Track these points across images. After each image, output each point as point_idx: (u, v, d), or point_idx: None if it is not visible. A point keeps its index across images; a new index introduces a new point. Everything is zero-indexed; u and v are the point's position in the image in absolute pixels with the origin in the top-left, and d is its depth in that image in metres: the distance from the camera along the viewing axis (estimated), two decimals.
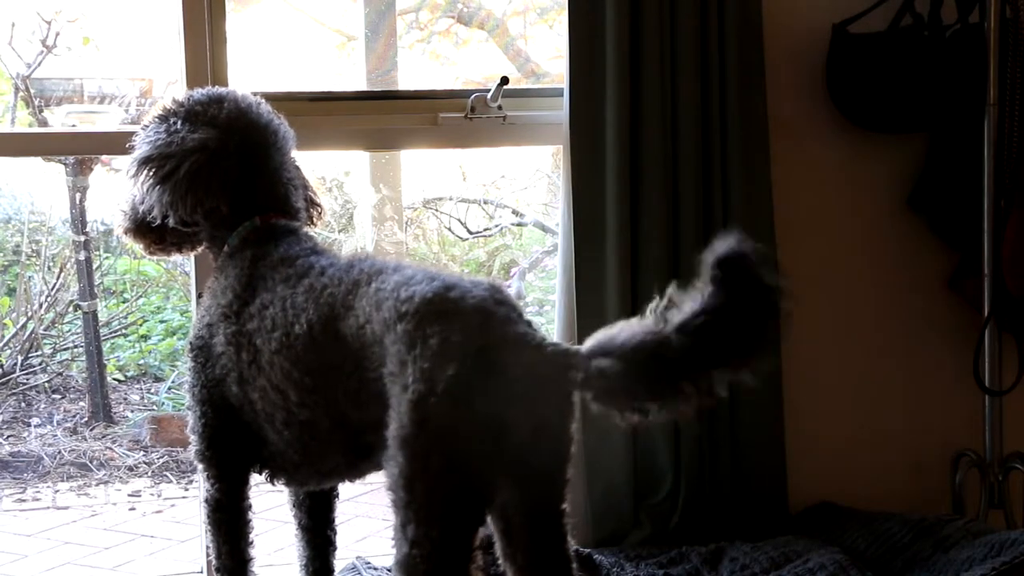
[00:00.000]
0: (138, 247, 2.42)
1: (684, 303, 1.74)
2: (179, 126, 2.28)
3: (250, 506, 2.31)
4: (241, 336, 2.14)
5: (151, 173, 2.25)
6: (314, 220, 2.43)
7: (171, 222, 2.25)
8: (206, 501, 2.30)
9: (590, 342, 1.82)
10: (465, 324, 1.83)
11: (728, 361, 1.74)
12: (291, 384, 2.05)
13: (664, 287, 1.75)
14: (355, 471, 2.18)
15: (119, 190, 2.36)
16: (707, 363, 1.74)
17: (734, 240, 1.73)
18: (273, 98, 2.92)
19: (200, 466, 2.29)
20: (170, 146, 2.25)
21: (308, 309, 2.03)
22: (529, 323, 1.90)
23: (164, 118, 2.31)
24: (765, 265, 1.73)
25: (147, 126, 2.34)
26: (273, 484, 2.28)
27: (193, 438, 2.27)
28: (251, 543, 2.31)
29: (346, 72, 5.15)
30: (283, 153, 2.34)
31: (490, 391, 1.79)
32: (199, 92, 2.34)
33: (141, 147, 2.29)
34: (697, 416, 2.96)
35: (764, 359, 1.76)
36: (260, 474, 2.26)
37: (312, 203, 2.43)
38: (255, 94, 2.39)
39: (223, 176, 2.25)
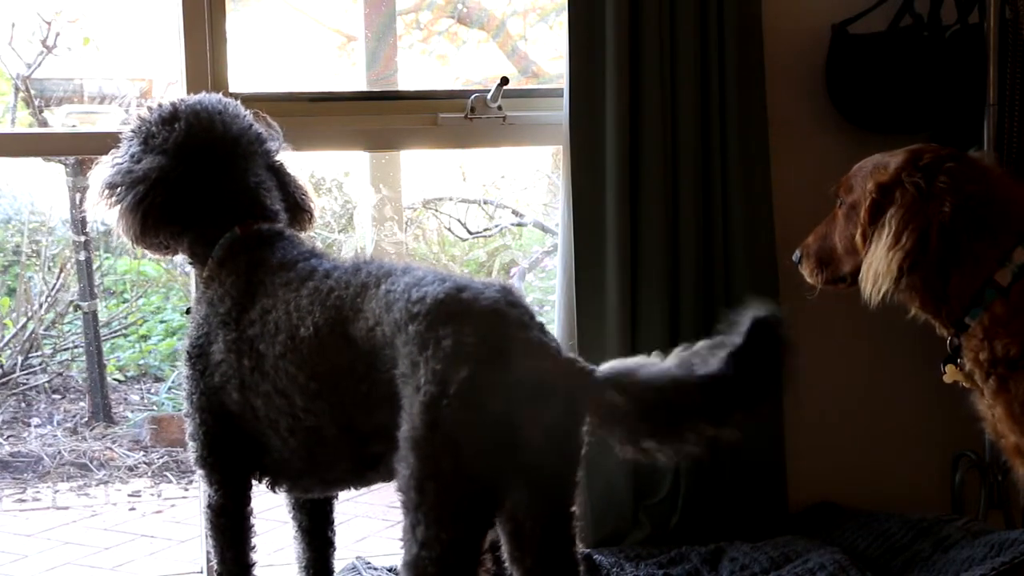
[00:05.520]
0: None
1: (710, 356, 1.79)
2: (135, 149, 2.30)
3: (252, 510, 2.30)
4: (242, 342, 2.13)
5: (111, 201, 2.28)
6: (303, 225, 2.41)
7: (138, 246, 2.30)
8: (208, 507, 2.28)
9: (607, 369, 1.84)
10: (478, 326, 1.83)
11: (732, 418, 1.82)
12: (296, 388, 2.04)
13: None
14: (361, 480, 2.17)
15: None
16: (716, 419, 1.80)
17: (764, 307, 1.78)
18: (273, 98, 2.95)
19: (201, 472, 2.27)
20: (119, 174, 2.27)
21: (314, 312, 2.02)
22: (541, 326, 1.91)
23: (132, 136, 2.33)
24: (788, 333, 1.79)
25: (122, 139, 2.35)
26: (274, 492, 2.27)
27: (193, 444, 2.26)
28: (254, 547, 2.30)
29: (346, 72, 5.14)
30: (247, 158, 2.31)
31: (502, 394, 1.79)
32: (160, 109, 2.33)
33: (107, 169, 2.31)
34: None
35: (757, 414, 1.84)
36: (260, 482, 2.25)
37: (299, 207, 2.40)
38: (239, 96, 2.37)
39: (162, 208, 2.25)
